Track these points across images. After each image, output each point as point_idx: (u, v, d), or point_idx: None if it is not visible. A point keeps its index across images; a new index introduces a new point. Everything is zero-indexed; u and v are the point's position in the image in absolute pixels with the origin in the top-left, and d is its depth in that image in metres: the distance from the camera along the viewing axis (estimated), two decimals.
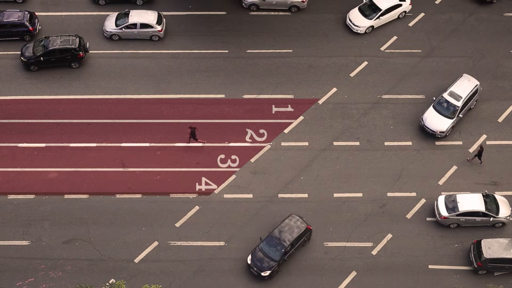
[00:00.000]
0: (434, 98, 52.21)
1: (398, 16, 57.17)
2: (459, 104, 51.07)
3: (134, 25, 54.99)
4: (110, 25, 55.43)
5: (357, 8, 57.12)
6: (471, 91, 51.58)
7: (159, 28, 55.20)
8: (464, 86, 51.81)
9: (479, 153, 49.80)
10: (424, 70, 55.01)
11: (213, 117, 52.46)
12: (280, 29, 56.90)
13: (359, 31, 56.32)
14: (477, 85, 51.92)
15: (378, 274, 46.70)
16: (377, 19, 56.38)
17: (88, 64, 54.62)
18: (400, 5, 57.01)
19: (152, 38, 55.72)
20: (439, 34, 56.96)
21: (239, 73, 54.58)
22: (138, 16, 55.31)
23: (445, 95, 51.47)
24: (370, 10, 56.64)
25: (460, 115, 51.18)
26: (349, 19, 56.64)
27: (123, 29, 55.02)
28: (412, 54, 55.86)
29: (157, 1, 58.29)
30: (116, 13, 56.10)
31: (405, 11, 57.44)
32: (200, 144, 50.36)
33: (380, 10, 56.38)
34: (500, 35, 56.80)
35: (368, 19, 56.33)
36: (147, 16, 55.26)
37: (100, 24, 56.70)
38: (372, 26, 56.54)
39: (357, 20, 56.50)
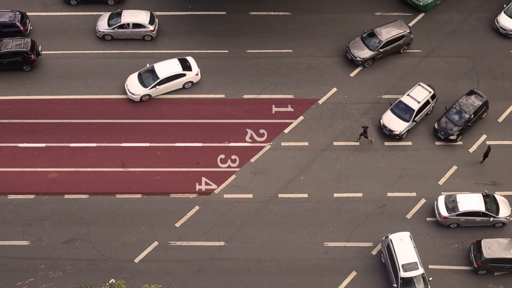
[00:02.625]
0: None
1: (184, 86, 52.82)
2: None
3: (126, 25, 54.99)
4: (102, 25, 55.42)
5: (137, 73, 52.80)
6: None
7: (151, 28, 55.20)
8: None
9: (486, 153, 49.80)
10: (424, 70, 55.00)
11: (213, 117, 52.46)
12: (280, 29, 56.90)
13: (133, 98, 52.10)
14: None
15: (378, 274, 46.69)
16: (154, 88, 51.99)
17: (88, 64, 54.62)
18: (183, 75, 52.40)
19: (145, 38, 55.72)
20: (439, 34, 56.95)
21: (239, 73, 54.58)
22: (130, 16, 55.31)
23: None
24: (150, 77, 52.32)
25: None
26: (127, 85, 52.37)
27: (116, 29, 55.00)
28: (412, 54, 55.85)
29: (129, 1, 58.11)
30: (108, 13, 56.10)
31: (191, 81, 52.91)
32: None
33: (158, 78, 51.93)
34: (500, 35, 56.78)
35: (144, 86, 51.89)
36: (139, 16, 55.27)
37: None
38: (149, 95, 52.26)
39: (133, 86, 52.11)
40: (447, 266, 47.06)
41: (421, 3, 57.00)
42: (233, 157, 50.89)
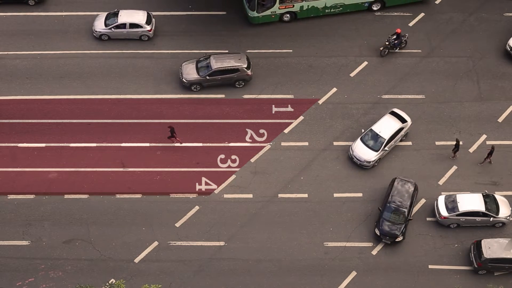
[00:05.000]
0: None
1: None
2: None
3: (123, 25, 54.97)
4: (99, 25, 55.39)
5: None
6: None
7: (148, 28, 55.20)
8: None
9: (489, 154, 49.76)
10: (424, 70, 55.01)
11: (213, 117, 52.46)
12: (280, 29, 56.88)
13: None
14: None
15: (378, 274, 46.70)
16: None
17: (88, 64, 54.62)
18: None
19: (142, 38, 55.70)
20: (439, 34, 56.95)
21: None
22: (127, 16, 55.30)
23: None
24: None
25: None
26: None
27: (113, 29, 54.99)
28: (412, 54, 55.85)
29: (49, 2, 57.73)
30: (105, 13, 56.09)
31: None
32: None
33: None
34: (500, 35, 56.80)
35: None
36: (136, 16, 55.27)
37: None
38: None
39: None
40: (447, 266, 47.06)
41: (249, 15, 55.90)
42: (233, 157, 50.89)
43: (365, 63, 55.33)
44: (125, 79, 54.00)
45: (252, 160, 50.80)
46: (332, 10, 56.76)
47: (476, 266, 46.12)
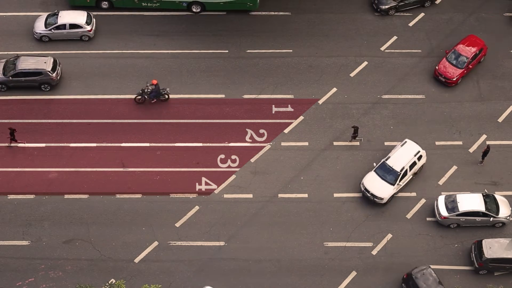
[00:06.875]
0: None
1: None
2: None
3: (63, 26, 54.77)
4: (40, 26, 55.06)
5: None
6: None
7: (88, 28, 54.98)
8: None
9: (485, 153, 49.75)
10: (424, 70, 55.00)
11: (213, 117, 52.46)
12: (280, 29, 56.91)
13: None
14: None
15: (378, 274, 46.70)
16: None
17: (88, 64, 54.61)
18: None
19: (82, 38, 55.46)
20: (439, 34, 56.95)
21: (239, 73, 54.57)
22: (67, 16, 55.07)
23: None
24: None
25: None
26: None
27: (53, 30, 54.75)
28: (412, 54, 55.85)
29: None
30: (46, 14, 55.84)
31: None
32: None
33: None
34: (500, 35, 56.79)
35: None
36: (76, 17, 55.09)
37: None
38: None
39: None
40: (447, 266, 47.05)
41: None
42: (233, 157, 50.89)
43: (365, 63, 55.34)
44: (125, 79, 53.98)
45: (252, 160, 50.80)
46: (149, 5, 56.36)
47: (477, 266, 46.12)
